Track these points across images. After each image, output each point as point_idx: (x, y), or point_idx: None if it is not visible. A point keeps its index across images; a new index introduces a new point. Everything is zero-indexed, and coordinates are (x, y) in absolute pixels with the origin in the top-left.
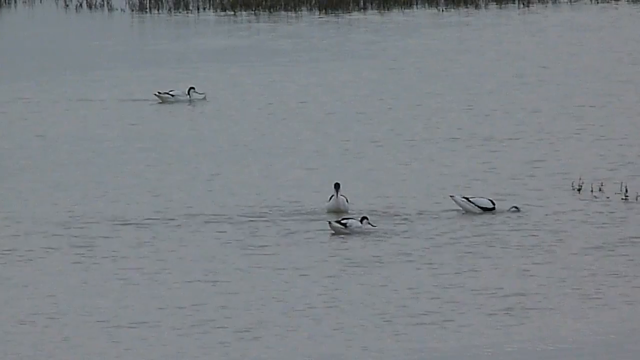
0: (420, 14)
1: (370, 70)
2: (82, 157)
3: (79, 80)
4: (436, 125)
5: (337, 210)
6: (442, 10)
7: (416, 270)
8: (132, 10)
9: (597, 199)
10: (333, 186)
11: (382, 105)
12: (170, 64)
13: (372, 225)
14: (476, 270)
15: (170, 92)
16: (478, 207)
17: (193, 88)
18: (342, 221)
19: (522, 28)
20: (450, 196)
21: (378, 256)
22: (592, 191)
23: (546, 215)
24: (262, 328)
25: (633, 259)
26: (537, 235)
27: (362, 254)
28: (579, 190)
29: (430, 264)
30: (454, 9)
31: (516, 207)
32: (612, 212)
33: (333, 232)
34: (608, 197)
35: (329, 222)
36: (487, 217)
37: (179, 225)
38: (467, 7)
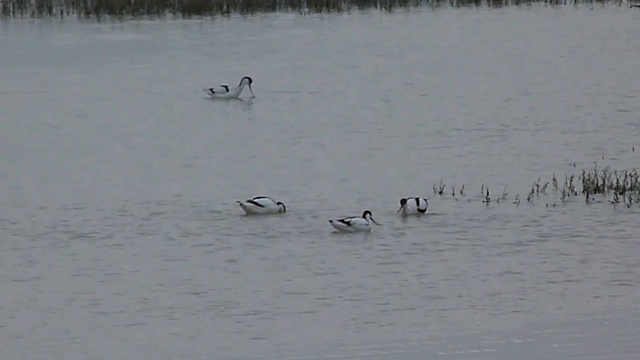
0: (283, 17)
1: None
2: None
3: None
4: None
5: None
6: (305, 14)
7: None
8: None
9: (458, 202)
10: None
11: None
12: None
13: (374, 222)
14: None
15: (212, 89)
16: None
17: (249, 80)
18: (345, 220)
19: (385, 30)
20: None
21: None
22: (453, 194)
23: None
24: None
25: (494, 258)
26: (400, 237)
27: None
28: (440, 192)
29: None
30: (316, 12)
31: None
32: (473, 214)
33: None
34: (469, 200)
35: (330, 221)
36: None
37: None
38: (329, 11)
